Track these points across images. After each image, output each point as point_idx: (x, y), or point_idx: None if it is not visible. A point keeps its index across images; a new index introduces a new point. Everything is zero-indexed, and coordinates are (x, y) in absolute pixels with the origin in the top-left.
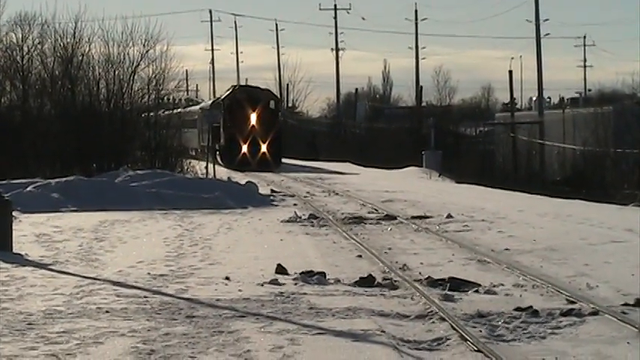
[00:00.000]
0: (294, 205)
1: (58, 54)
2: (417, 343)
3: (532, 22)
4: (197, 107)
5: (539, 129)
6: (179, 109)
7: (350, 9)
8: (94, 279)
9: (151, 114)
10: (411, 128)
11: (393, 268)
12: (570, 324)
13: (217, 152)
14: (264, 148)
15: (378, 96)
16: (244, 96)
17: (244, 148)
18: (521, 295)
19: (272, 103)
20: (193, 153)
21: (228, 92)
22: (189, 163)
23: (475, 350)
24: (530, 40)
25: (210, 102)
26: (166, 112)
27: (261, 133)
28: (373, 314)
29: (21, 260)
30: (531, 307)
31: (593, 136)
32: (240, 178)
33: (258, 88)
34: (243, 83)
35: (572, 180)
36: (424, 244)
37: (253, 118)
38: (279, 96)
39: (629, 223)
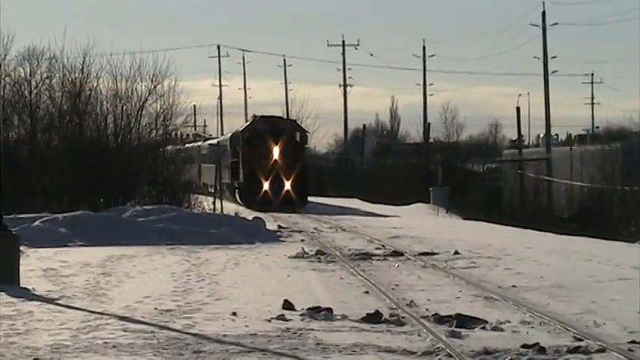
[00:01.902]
0: (302, 240)
1: (66, 89)
2: None
3: (540, 59)
4: (215, 141)
5: (546, 166)
6: (199, 143)
7: (358, 45)
8: (101, 314)
9: (160, 149)
10: (419, 164)
11: (400, 305)
12: None
13: (236, 190)
14: (287, 185)
15: (385, 132)
16: (266, 127)
17: (266, 186)
18: (528, 332)
19: (297, 135)
20: (212, 190)
21: (248, 123)
22: (197, 198)
23: None
24: (538, 77)
25: (229, 134)
26: (186, 146)
27: (284, 169)
28: (380, 350)
29: (28, 295)
30: (538, 344)
31: (600, 173)
32: (248, 214)
33: (281, 118)
34: (265, 113)
35: (580, 217)
36: (431, 281)
37: (276, 151)
38: None
39: (637, 260)
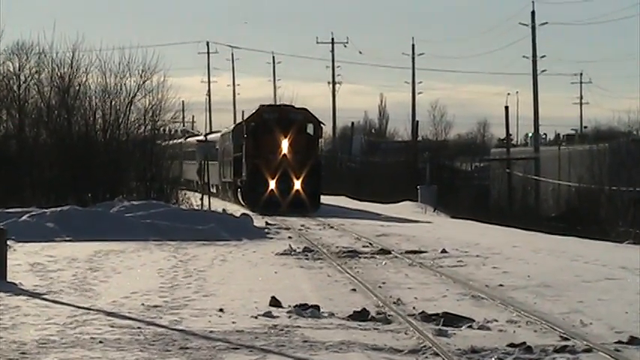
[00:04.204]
0: (289, 237)
1: (55, 83)
2: None
3: (529, 59)
4: (218, 135)
5: (534, 165)
6: (201, 137)
7: (347, 43)
8: (88, 309)
9: (154, 143)
10: (407, 162)
11: (387, 303)
12: None
13: (239, 189)
14: (297, 184)
15: (374, 130)
16: (274, 116)
17: (272, 185)
18: (514, 332)
19: (310, 127)
20: (214, 190)
21: (254, 112)
22: (185, 194)
23: None
24: (527, 76)
25: (232, 126)
26: (187, 140)
27: (294, 165)
28: (367, 348)
29: (15, 289)
30: (525, 343)
31: (588, 172)
32: (235, 210)
33: (292, 106)
34: (273, 103)
35: (567, 216)
36: (418, 279)
37: (285, 145)
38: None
39: (624, 260)
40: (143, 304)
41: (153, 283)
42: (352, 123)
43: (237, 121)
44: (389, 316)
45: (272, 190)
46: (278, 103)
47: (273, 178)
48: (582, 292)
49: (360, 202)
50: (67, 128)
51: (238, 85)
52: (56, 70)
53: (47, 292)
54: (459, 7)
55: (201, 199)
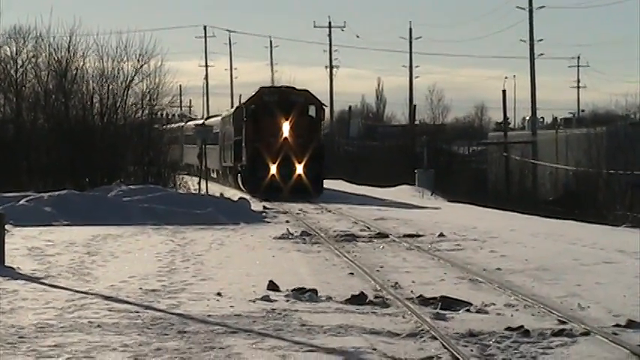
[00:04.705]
0: (287, 222)
1: (52, 68)
2: None
3: (526, 42)
4: (218, 118)
5: (532, 149)
6: (199, 121)
7: (344, 27)
8: (86, 293)
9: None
10: (404, 146)
11: (384, 286)
12: (561, 344)
13: (239, 174)
14: (299, 169)
15: (371, 114)
16: (274, 99)
17: (273, 170)
18: (512, 315)
19: (312, 109)
20: (214, 175)
21: (254, 94)
22: (182, 178)
23: None
24: (524, 60)
25: (232, 109)
26: (187, 124)
27: (296, 149)
28: (365, 332)
29: (13, 274)
30: (522, 326)
31: (585, 156)
32: (233, 194)
33: (293, 88)
34: (270, 84)
35: (565, 200)
36: (416, 263)
37: (286, 128)
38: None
39: (621, 244)
40: (141, 288)
41: (151, 267)
42: (350, 107)
43: (235, 105)
44: (387, 299)
45: (273, 174)
46: (278, 85)
47: (274, 163)
48: (580, 276)
49: (357, 185)
50: (65, 112)
51: (236, 69)
52: (53, 54)
53: (45, 276)
54: None
55: (199, 182)
